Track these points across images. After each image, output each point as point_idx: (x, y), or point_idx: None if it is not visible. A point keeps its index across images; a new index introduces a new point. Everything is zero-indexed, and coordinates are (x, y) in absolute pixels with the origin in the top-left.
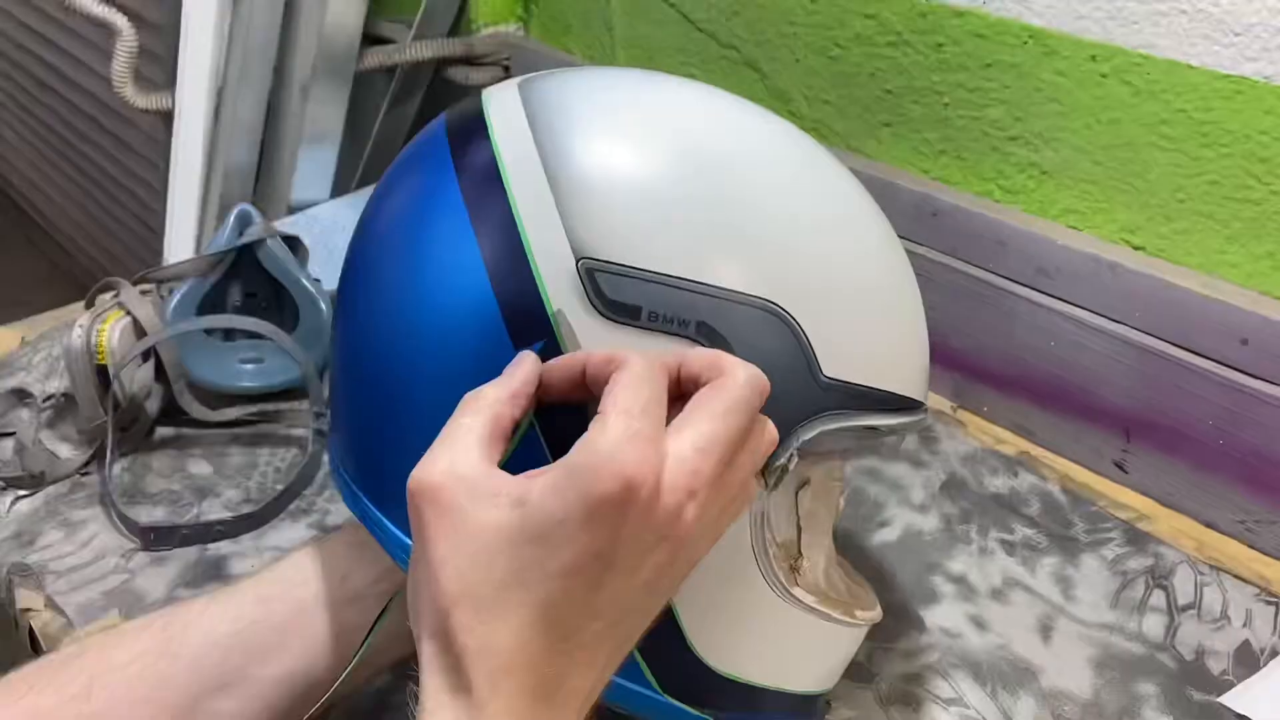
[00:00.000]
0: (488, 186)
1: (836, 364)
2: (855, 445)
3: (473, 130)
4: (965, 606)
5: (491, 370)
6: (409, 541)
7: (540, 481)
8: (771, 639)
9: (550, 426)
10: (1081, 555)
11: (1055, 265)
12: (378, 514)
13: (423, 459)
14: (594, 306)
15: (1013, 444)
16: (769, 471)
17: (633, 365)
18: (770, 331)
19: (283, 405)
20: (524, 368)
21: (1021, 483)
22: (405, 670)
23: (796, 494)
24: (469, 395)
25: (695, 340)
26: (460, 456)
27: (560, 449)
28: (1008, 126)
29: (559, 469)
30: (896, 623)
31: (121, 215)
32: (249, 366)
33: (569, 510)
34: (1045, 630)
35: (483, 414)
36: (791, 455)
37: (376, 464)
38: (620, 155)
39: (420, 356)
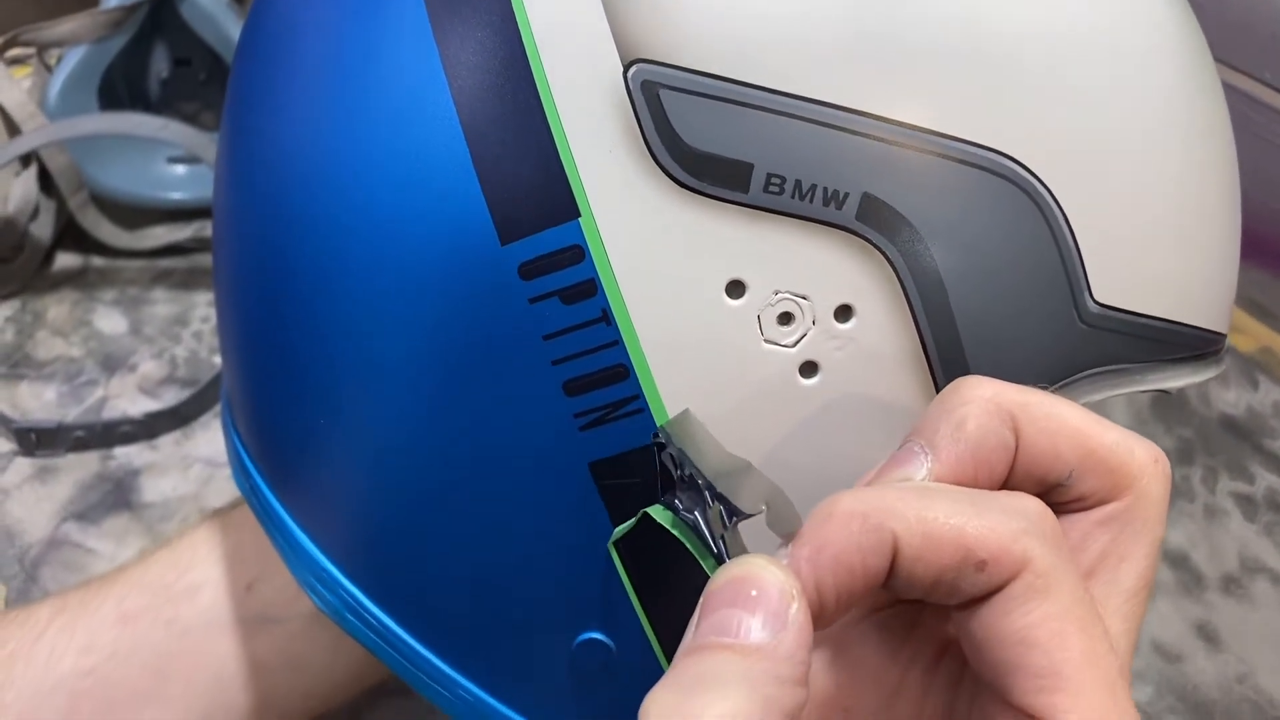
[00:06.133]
0: None
1: (1116, 279)
2: None
3: None
4: (1188, 607)
5: (468, 301)
6: (325, 563)
7: None
8: None
9: None
10: None
11: None
12: (279, 509)
13: None
14: (656, 160)
15: (1248, 332)
16: None
17: (1057, 592)
18: (1000, 215)
19: None
20: (790, 630)
21: (1263, 399)
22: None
23: None
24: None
25: (851, 232)
26: None
27: None
28: None
29: None
30: None
31: None
32: (181, 169)
33: None
34: None
35: None
36: None
37: (276, 433)
38: None
39: (335, 268)
